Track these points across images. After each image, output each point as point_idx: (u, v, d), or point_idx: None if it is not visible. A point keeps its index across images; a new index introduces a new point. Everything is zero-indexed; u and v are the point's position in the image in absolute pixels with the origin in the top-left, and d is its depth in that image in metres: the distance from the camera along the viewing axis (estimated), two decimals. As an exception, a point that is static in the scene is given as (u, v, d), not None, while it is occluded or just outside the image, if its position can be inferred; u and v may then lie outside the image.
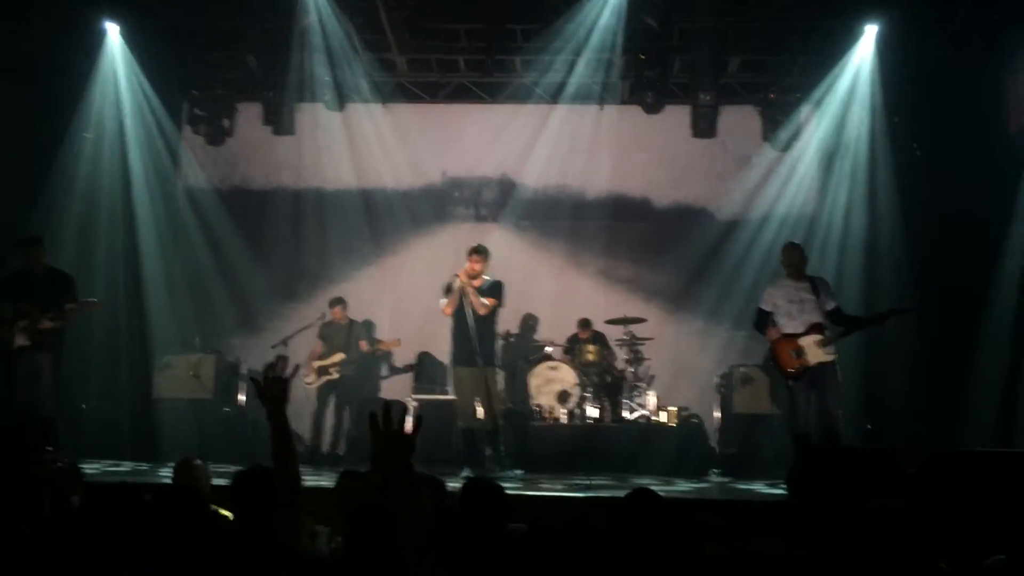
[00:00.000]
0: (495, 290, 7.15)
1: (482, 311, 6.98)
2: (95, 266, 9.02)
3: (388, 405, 2.34)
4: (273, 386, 2.87)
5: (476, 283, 7.08)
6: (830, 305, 6.72)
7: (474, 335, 6.91)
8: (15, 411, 6.78)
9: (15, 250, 7.09)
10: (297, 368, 3.84)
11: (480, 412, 7.10)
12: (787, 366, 6.64)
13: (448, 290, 7.11)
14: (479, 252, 7.13)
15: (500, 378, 7.52)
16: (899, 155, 9.31)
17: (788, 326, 6.70)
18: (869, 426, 8.55)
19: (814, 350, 6.55)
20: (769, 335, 6.80)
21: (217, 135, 10.17)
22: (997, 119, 8.82)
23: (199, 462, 4.41)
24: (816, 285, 6.76)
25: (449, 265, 7.50)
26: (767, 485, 6.98)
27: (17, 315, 6.85)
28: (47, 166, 9.02)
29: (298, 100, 10.17)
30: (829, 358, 6.54)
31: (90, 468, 7.01)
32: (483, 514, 3.17)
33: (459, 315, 7.06)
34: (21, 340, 6.82)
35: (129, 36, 9.37)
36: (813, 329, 6.59)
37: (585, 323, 9.43)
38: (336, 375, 9.10)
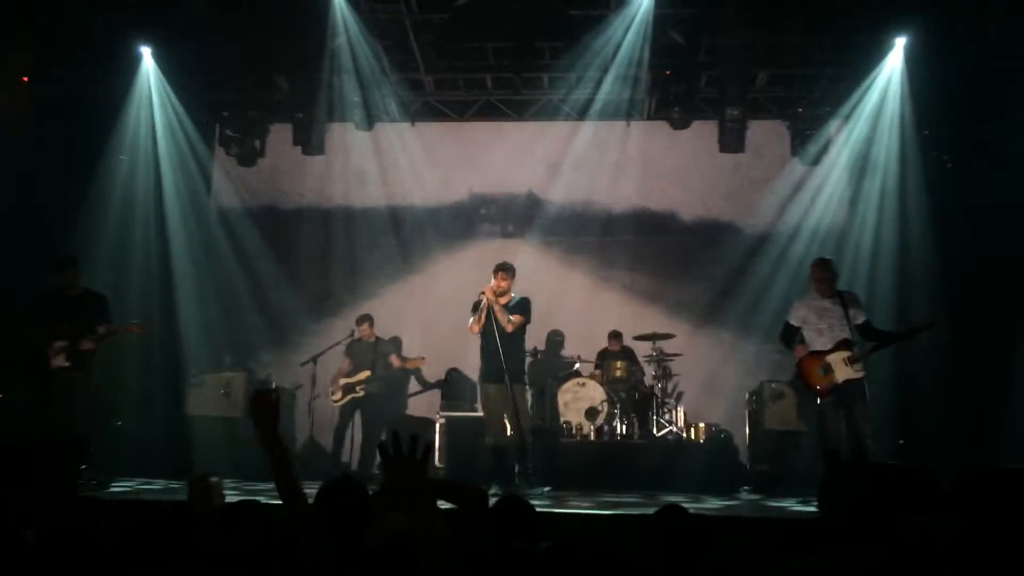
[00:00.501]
0: (522, 307, 7.15)
1: (509, 328, 6.98)
2: (129, 286, 9.18)
3: (397, 433, 2.27)
4: (261, 408, 2.88)
5: (503, 300, 7.09)
6: (860, 319, 6.64)
7: (501, 352, 6.91)
8: (50, 430, 6.87)
9: (51, 270, 7.19)
10: (278, 394, 3.93)
11: (508, 429, 7.09)
12: (815, 383, 6.56)
13: (476, 308, 7.12)
14: (505, 269, 7.14)
15: (528, 395, 7.50)
16: (929, 168, 9.21)
17: (817, 342, 6.64)
18: (901, 441, 8.43)
19: (842, 367, 6.48)
20: (796, 352, 6.73)
21: (248, 156, 10.31)
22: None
23: (214, 479, 4.49)
24: (845, 300, 6.69)
25: (477, 282, 7.50)
26: (799, 502, 6.89)
27: (51, 336, 6.97)
28: (83, 188, 9.20)
29: (328, 120, 10.30)
30: (858, 375, 6.46)
31: (122, 486, 7.12)
32: (515, 532, 3.17)
33: (487, 332, 7.06)
34: (58, 360, 6.94)
35: (162, 59, 9.57)
36: (841, 345, 6.52)
37: (616, 335, 9.41)
38: (362, 392, 9.15)
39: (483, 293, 7.02)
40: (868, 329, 6.64)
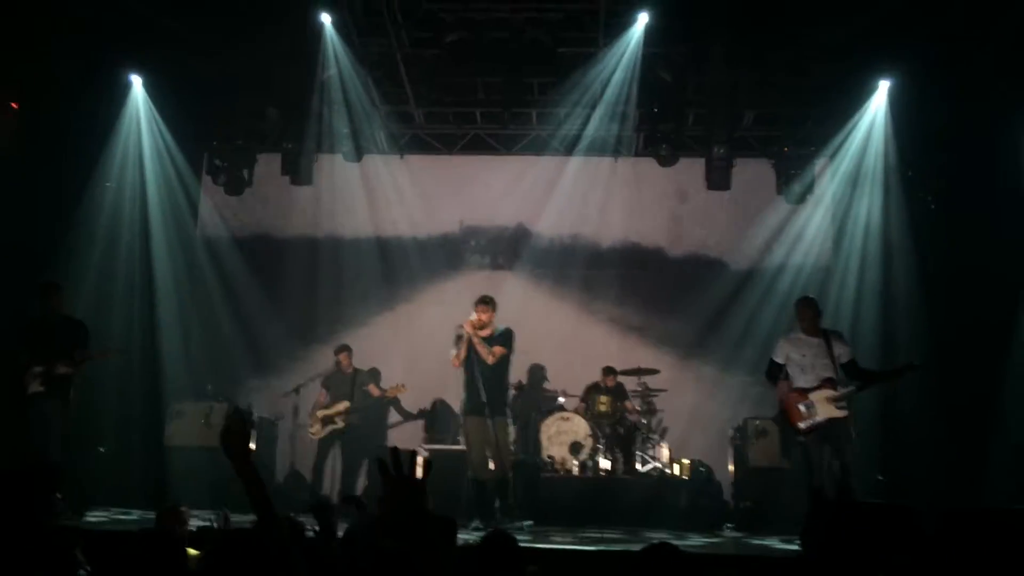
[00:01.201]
0: (504, 339, 7.13)
1: (490, 360, 6.96)
2: (112, 313, 9.11)
3: (397, 450, 2.18)
4: (231, 440, 2.72)
5: (485, 332, 7.07)
6: (845, 358, 6.65)
7: (482, 385, 6.88)
8: (26, 457, 6.78)
9: (35, 296, 7.14)
10: (248, 422, 3.88)
11: (490, 463, 7.04)
12: (797, 421, 6.55)
13: (457, 341, 7.10)
14: (485, 302, 7.14)
15: (511, 428, 7.44)
16: (913, 208, 9.32)
17: (800, 380, 6.64)
18: (880, 477, 8.43)
19: (824, 405, 6.47)
20: (779, 390, 6.73)
21: (236, 185, 10.30)
22: (1012, 171, 8.82)
23: (184, 508, 4.50)
24: (830, 338, 6.70)
25: (464, 313, 7.47)
26: (782, 540, 6.85)
27: (30, 361, 6.91)
28: (70, 214, 9.15)
29: (317, 151, 10.33)
30: (840, 414, 6.45)
31: (97, 516, 7.01)
32: (499, 566, 3.16)
33: (468, 365, 7.04)
34: (34, 386, 6.88)
35: (152, 88, 9.61)
36: (825, 384, 6.52)
37: (609, 371, 9.38)
38: (342, 424, 9.05)
39: (462, 326, 7.00)
40: (853, 368, 6.65)
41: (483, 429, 6.87)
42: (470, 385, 7.02)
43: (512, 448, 7.28)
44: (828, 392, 6.48)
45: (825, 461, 6.48)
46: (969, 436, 8.29)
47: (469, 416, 7.09)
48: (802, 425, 6.50)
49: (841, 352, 6.65)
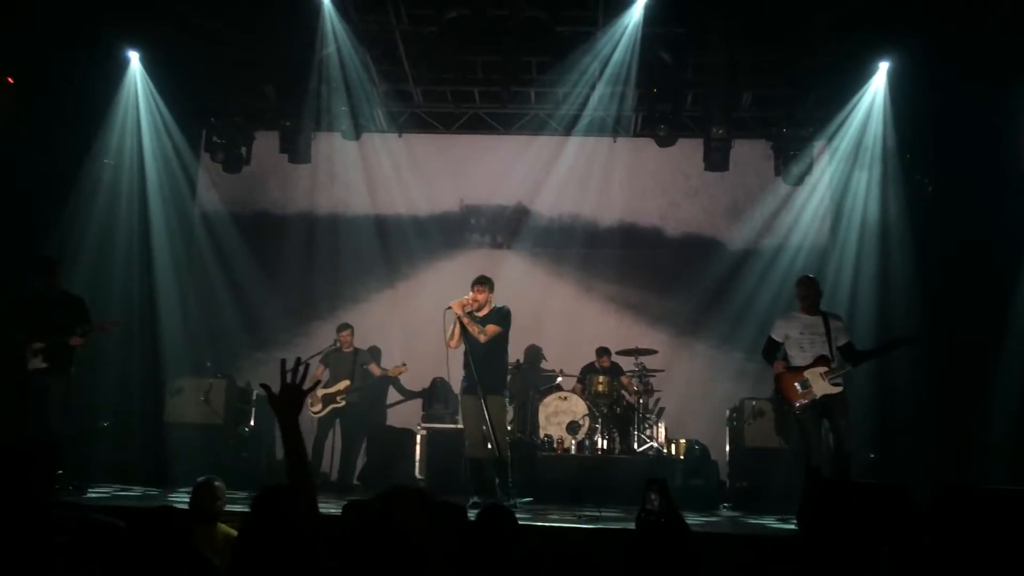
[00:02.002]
0: (498, 317, 7.10)
1: (482, 339, 6.96)
2: (111, 289, 9.10)
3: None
4: (289, 393, 2.82)
5: (482, 312, 7.08)
6: (842, 340, 6.70)
7: (474, 364, 6.90)
8: (26, 433, 6.81)
9: (33, 272, 7.13)
10: (316, 384, 3.92)
11: (487, 441, 7.07)
12: (792, 398, 6.60)
13: (447, 321, 7.11)
14: (480, 282, 7.13)
15: (508, 407, 7.42)
16: (911, 190, 9.34)
17: (798, 358, 6.68)
18: (872, 456, 8.51)
19: (819, 382, 6.52)
20: (775, 368, 6.76)
21: (234, 162, 10.29)
22: (1008, 155, 8.84)
23: (219, 483, 4.50)
24: (828, 320, 6.74)
25: (463, 291, 7.48)
26: (778, 520, 6.92)
27: (30, 337, 6.92)
28: (67, 191, 9.12)
29: (315, 129, 10.30)
30: (836, 390, 6.51)
31: (99, 493, 7.05)
32: (497, 540, 3.20)
33: (464, 345, 7.06)
34: (36, 362, 6.89)
35: (150, 64, 9.55)
36: (819, 361, 6.57)
37: (604, 351, 9.43)
38: (342, 403, 9.08)
39: (450, 306, 6.99)
40: (849, 350, 6.70)
41: (477, 408, 6.90)
42: (466, 365, 7.04)
43: (509, 427, 7.28)
44: (822, 369, 6.54)
45: (822, 439, 6.54)
46: (961, 415, 8.36)
47: (464, 395, 7.12)
48: (797, 403, 6.56)
49: (838, 333, 6.69)
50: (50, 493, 6.21)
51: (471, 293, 7.07)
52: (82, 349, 7.15)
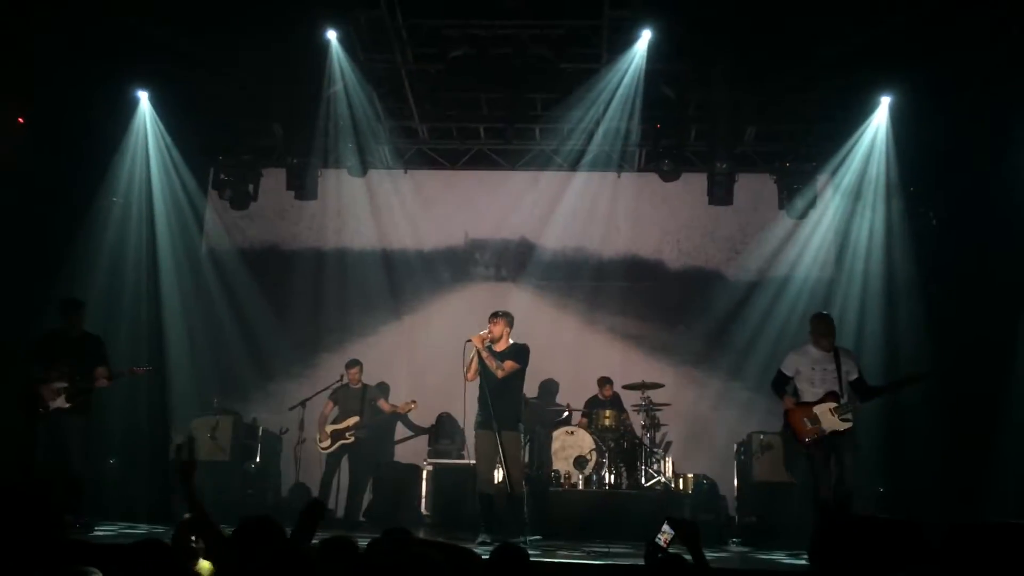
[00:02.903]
0: (517, 353, 7.10)
1: (500, 374, 6.93)
2: (119, 327, 9.14)
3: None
4: (184, 467, 3.83)
5: (499, 347, 7.07)
6: (853, 376, 6.68)
7: (490, 399, 6.86)
8: (41, 472, 6.83)
9: (58, 311, 7.18)
10: (193, 447, 4.30)
11: (498, 476, 7.04)
12: (802, 434, 6.58)
13: (467, 355, 7.10)
14: (498, 316, 7.13)
15: (520, 442, 7.35)
16: (915, 223, 9.37)
17: (808, 393, 6.67)
18: (881, 489, 8.45)
19: (828, 418, 6.51)
20: (784, 404, 6.75)
21: (242, 199, 10.37)
22: (1014, 186, 8.87)
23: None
24: (840, 356, 6.74)
25: (470, 324, 7.46)
26: (788, 555, 6.86)
27: (50, 377, 6.97)
28: (76, 229, 9.20)
29: (322, 166, 10.42)
30: (844, 426, 6.49)
31: (105, 531, 7.02)
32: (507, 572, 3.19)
33: (480, 378, 7.04)
34: (58, 402, 6.94)
35: (159, 103, 9.67)
36: (829, 397, 6.56)
37: (606, 381, 9.42)
38: (351, 439, 9.05)
39: (469, 340, 6.99)
40: (861, 386, 6.68)
41: (491, 443, 6.86)
42: (481, 399, 7.01)
43: (524, 462, 7.20)
44: (831, 404, 6.52)
45: (831, 474, 6.50)
46: (972, 449, 8.30)
47: (479, 430, 7.07)
48: (806, 439, 6.54)
49: (850, 369, 6.68)
50: (61, 531, 6.18)
51: (488, 327, 7.05)
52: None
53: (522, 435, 7.22)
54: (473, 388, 7.09)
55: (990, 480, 8.07)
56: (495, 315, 7.12)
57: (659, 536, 3.61)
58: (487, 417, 6.86)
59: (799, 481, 8.24)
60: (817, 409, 6.56)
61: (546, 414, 9.69)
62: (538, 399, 9.88)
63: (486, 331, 7.01)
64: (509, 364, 6.96)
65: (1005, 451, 8.09)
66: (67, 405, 6.94)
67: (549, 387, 10.06)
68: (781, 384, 6.85)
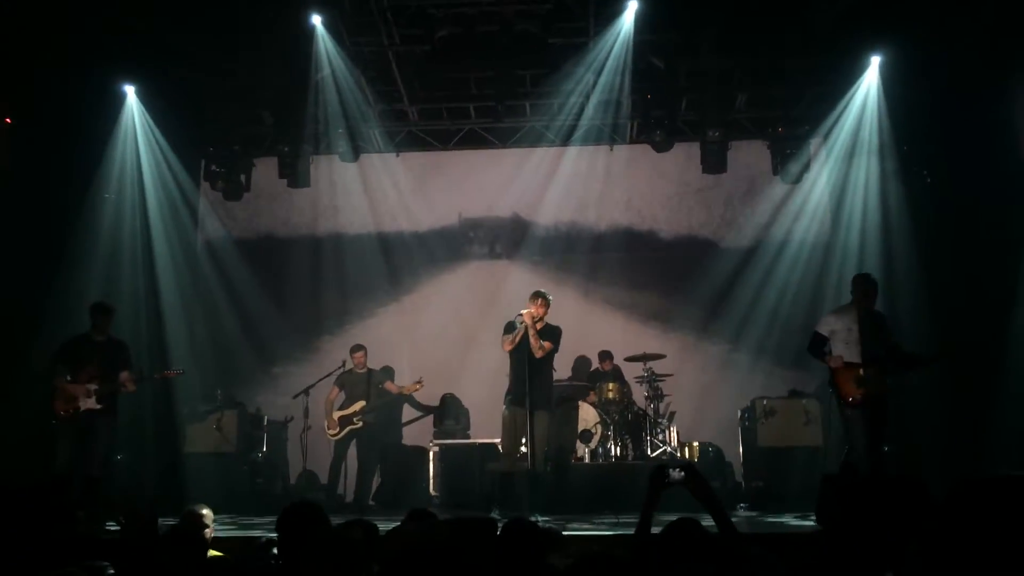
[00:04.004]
0: (553, 335, 7.14)
1: (539, 354, 6.97)
2: (118, 323, 9.08)
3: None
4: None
5: (538, 326, 7.10)
6: (890, 340, 6.70)
7: (528, 377, 6.90)
8: (57, 471, 6.90)
9: (91, 314, 7.28)
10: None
11: (523, 455, 7.06)
12: (849, 394, 6.54)
13: (511, 328, 7.11)
14: (542, 296, 7.14)
15: (549, 424, 7.35)
16: (910, 183, 9.35)
17: (845, 354, 6.64)
18: (886, 448, 8.48)
19: (876, 380, 6.51)
20: (832, 363, 6.69)
21: (234, 190, 10.35)
22: (1006, 144, 8.85)
23: (206, 511, 4.57)
24: (879, 319, 6.74)
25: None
26: (796, 517, 6.92)
27: (80, 379, 7.08)
28: (69, 227, 9.17)
29: (313, 153, 10.37)
30: (887, 390, 6.54)
31: (114, 526, 7.05)
32: (523, 553, 3.22)
33: (517, 355, 7.05)
34: (88, 403, 7.05)
35: (146, 97, 9.61)
36: (873, 360, 6.55)
37: (606, 355, 9.44)
38: (359, 424, 9.07)
39: (521, 315, 7.01)
40: (897, 352, 6.68)
41: (521, 421, 6.92)
42: (515, 376, 7.04)
43: (547, 443, 7.26)
44: (878, 368, 6.52)
45: (865, 437, 6.50)
46: (973, 405, 8.34)
47: (511, 406, 7.10)
48: (852, 398, 6.52)
49: (887, 334, 6.69)
50: (67, 527, 6.22)
51: (531, 306, 7.05)
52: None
53: (548, 416, 7.21)
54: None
55: (993, 435, 8.10)
56: (541, 295, 7.12)
57: (671, 471, 3.54)
58: (520, 395, 6.90)
59: (834, 443, 8.28)
60: (864, 371, 6.54)
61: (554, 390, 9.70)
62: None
63: (532, 310, 7.01)
64: (547, 345, 7.01)
65: (1006, 405, 8.12)
66: (98, 406, 7.07)
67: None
68: (819, 345, 6.79)
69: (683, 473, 3.49)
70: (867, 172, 9.69)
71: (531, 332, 6.92)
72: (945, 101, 8.84)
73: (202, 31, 8.46)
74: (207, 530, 4.50)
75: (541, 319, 7.09)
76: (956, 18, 8.09)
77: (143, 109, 9.71)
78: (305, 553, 3.09)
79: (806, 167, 10.08)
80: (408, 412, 10.17)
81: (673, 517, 3.53)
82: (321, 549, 3.05)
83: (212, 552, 4.49)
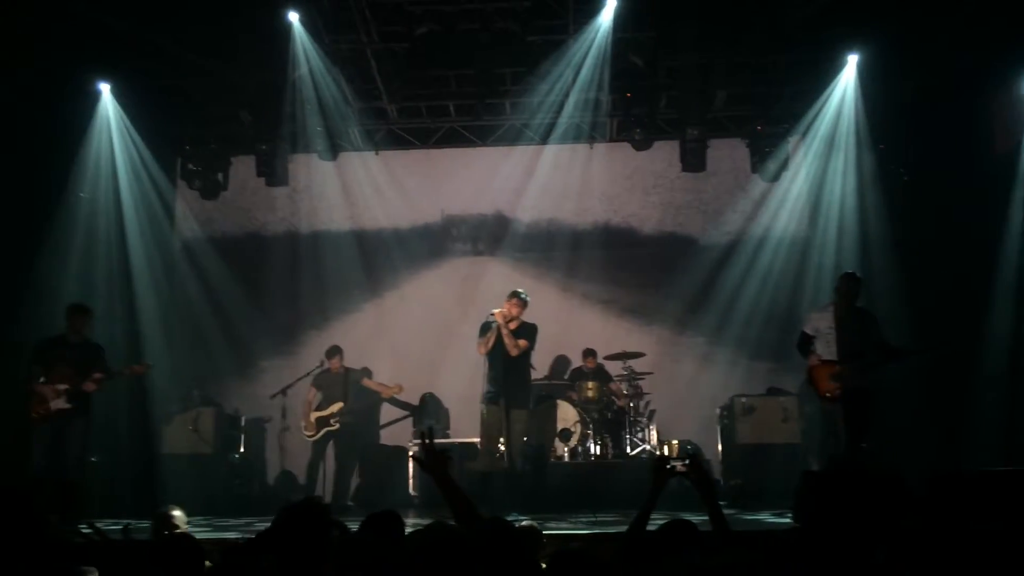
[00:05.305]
0: (528, 333, 7.16)
1: (514, 352, 6.99)
2: (94, 324, 9.00)
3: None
4: (434, 460, 3.46)
5: (512, 326, 7.10)
6: (874, 337, 6.75)
7: (502, 376, 6.91)
8: (30, 474, 6.83)
9: (67, 315, 7.24)
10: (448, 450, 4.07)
11: (500, 453, 7.06)
12: (825, 390, 6.67)
13: (485, 329, 7.12)
14: (518, 296, 7.15)
15: (526, 422, 7.35)
16: (887, 180, 9.42)
17: (826, 352, 6.73)
18: (864, 445, 8.53)
19: (853, 374, 6.58)
20: (809, 361, 6.82)
21: (211, 188, 10.25)
22: (982, 142, 8.93)
23: (177, 512, 4.49)
24: (862, 317, 6.80)
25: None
26: (773, 515, 6.94)
27: (52, 379, 7.01)
28: (44, 227, 9.04)
29: (291, 151, 10.29)
30: (865, 384, 6.57)
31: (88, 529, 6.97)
32: (501, 553, 3.21)
33: (493, 355, 7.06)
34: (59, 403, 6.98)
35: (121, 95, 9.48)
36: (850, 356, 6.61)
37: (590, 352, 9.45)
38: (336, 425, 9.03)
39: (493, 315, 7.02)
40: (882, 346, 6.73)
41: (498, 419, 6.92)
42: (490, 375, 7.04)
43: (524, 441, 7.27)
44: (853, 363, 6.58)
45: (845, 433, 6.58)
46: (948, 401, 8.41)
47: (488, 405, 7.10)
48: (829, 393, 6.64)
49: (870, 330, 6.73)
50: (40, 531, 6.13)
51: (505, 305, 7.06)
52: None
53: (526, 415, 7.21)
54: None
55: (968, 430, 8.17)
56: (515, 295, 7.14)
57: (675, 463, 3.56)
58: (497, 393, 6.91)
59: (814, 441, 8.36)
60: (840, 367, 6.62)
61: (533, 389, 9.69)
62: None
63: (505, 309, 7.02)
64: (522, 343, 7.02)
65: (981, 401, 8.19)
66: (68, 406, 6.99)
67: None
68: (805, 345, 6.91)
69: (687, 464, 3.53)
70: (845, 170, 9.74)
71: (504, 331, 6.93)
72: (921, 99, 8.92)
73: (179, 28, 8.37)
74: (177, 532, 4.42)
75: (515, 318, 7.09)
76: (932, 17, 8.15)
77: (118, 107, 9.57)
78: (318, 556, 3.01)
79: (784, 165, 10.13)
80: (387, 413, 10.12)
81: (652, 516, 3.53)
82: (347, 552, 2.98)
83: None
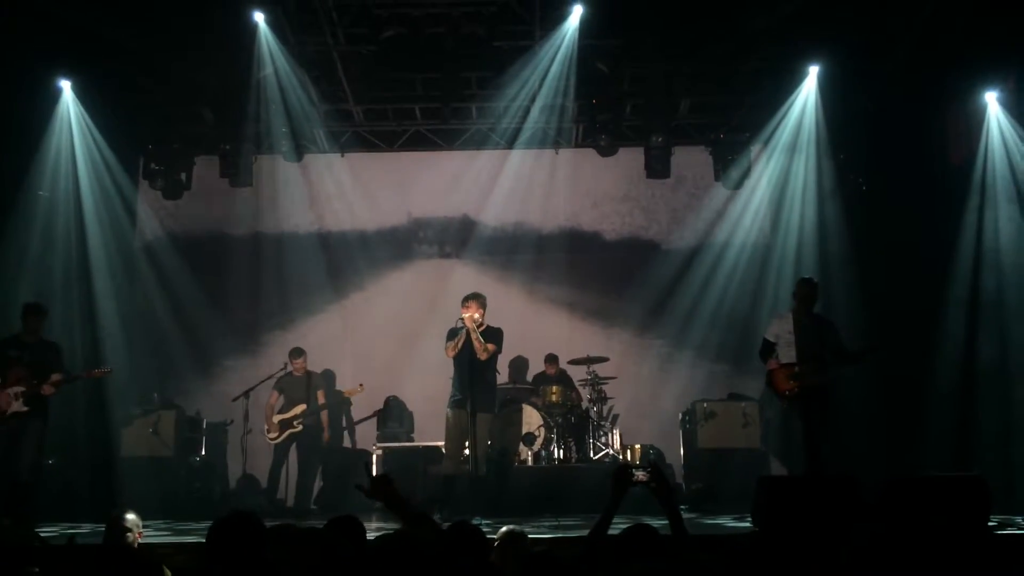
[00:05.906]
0: (495, 336, 7.17)
1: (483, 356, 6.99)
2: (51, 323, 8.81)
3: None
4: (376, 487, 3.58)
5: (479, 329, 7.10)
6: (831, 341, 6.88)
7: (468, 380, 6.91)
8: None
9: (22, 315, 7.14)
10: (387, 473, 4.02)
11: (465, 457, 7.07)
12: (783, 388, 6.81)
13: (453, 334, 7.12)
14: (476, 298, 7.15)
15: (490, 425, 7.38)
16: (846, 189, 9.60)
17: (786, 357, 6.86)
18: (824, 445, 8.68)
19: (810, 373, 6.72)
20: (768, 366, 6.96)
21: (174, 189, 10.15)
22: (939, 152, 9.14)
23: (130, 516, 4.41)
24: (820, 322, 6.93)
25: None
26: (733, 519, 7.03)
27: (7, 381, 6.91)
28: (1, 225, 8.88)
29: (256, 152, 10.22)
30: (821, 383, 6.73)
31: (46, 532, 6.86)
32: (465, 554, 3.24)
33: (460, 358, 7.06)
34: (15, 406, 6.89)
35: (83, 92, 9.34)
36: (809, 358, 6.75)
37: (552, 358, 9.50)
38: (299, 427, 8.97)
39: (462, 319, 7.01)
40: (840, 352, 6.87)
41: (463, 424, 6.92)
42: (457, 379, 7.04)
43: (489, 445, 7.28)
44: (812, 364, 6.72)
45: (801, 432, 6.72)
46: (904, 407, 8.58)
47: (453, 409, 7.10)
48: (787, 391, 6.78)
49: (828, 336, 6.86)
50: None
51: (468, 310, 7.03)
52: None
53: (489, 418, 7.22)
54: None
55: (923, 436, 8.35)
56: (474, 297, 7.13)
57: (636, 472, 3.59)
58: (464, 397, 6.91)
59: (771, 449, 8.49)
60: (798, 368, 6.77)
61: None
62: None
63: (470, 313, 7.01)
64: (491, 346, 7.03)
65: (934, 406, 8.37)
66: (24, 409, 6.89)
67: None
68: (767, 351, 7.04)
69: (649, 472, 3.56)
70: (805, 178, 9.92)
71: (474, 335, 6.95)
72: (880, 110, 9.09)
73: (142, 25, 8.26)
74: (130, 535, 4.34)
75: (482, 322, 7.10)
76: (891, 31, 8.32)
77: (79, 104, 9.43)
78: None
79: (747, 173, 10.29)
80: (350, 416, 10.08)
81: (614, 521, 3.57)
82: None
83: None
